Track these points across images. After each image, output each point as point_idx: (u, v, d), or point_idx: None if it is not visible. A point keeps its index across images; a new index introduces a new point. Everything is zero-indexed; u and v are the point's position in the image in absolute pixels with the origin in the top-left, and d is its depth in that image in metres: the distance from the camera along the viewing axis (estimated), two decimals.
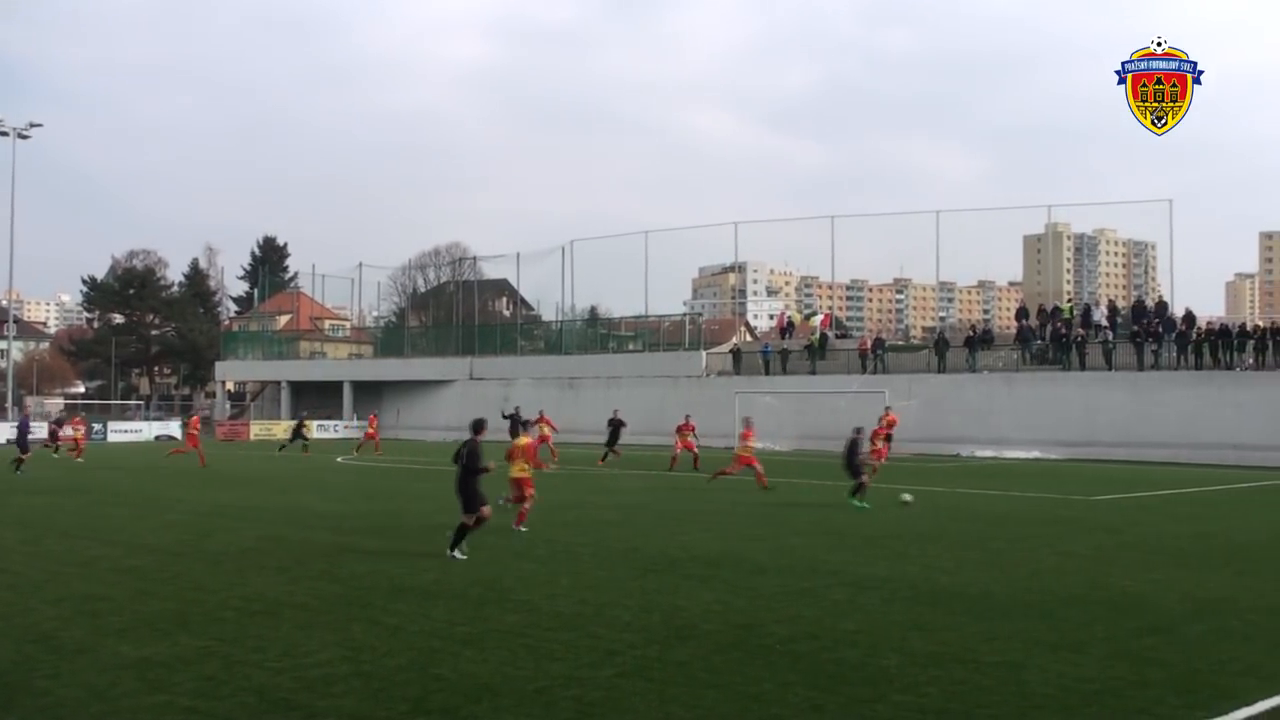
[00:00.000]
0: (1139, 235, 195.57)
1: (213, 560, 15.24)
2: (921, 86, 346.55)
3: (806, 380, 53.97)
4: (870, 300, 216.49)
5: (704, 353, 61.27)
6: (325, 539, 17.71)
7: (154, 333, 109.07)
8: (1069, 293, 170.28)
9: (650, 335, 67.38)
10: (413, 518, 21.01)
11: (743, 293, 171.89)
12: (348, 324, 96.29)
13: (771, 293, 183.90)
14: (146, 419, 76.67)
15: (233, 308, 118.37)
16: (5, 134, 66.48)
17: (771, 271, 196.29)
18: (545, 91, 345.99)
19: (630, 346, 69.62)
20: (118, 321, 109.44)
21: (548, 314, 77.00)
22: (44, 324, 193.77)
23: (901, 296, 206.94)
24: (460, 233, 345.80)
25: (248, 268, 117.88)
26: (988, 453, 46.10)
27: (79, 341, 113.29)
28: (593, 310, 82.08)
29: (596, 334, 72.48)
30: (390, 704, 7.97)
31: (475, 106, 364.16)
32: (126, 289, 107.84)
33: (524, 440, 20.24)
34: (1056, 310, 52.34)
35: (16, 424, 40.83)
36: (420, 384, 70.88)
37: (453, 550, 15.15)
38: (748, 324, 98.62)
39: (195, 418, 45.56)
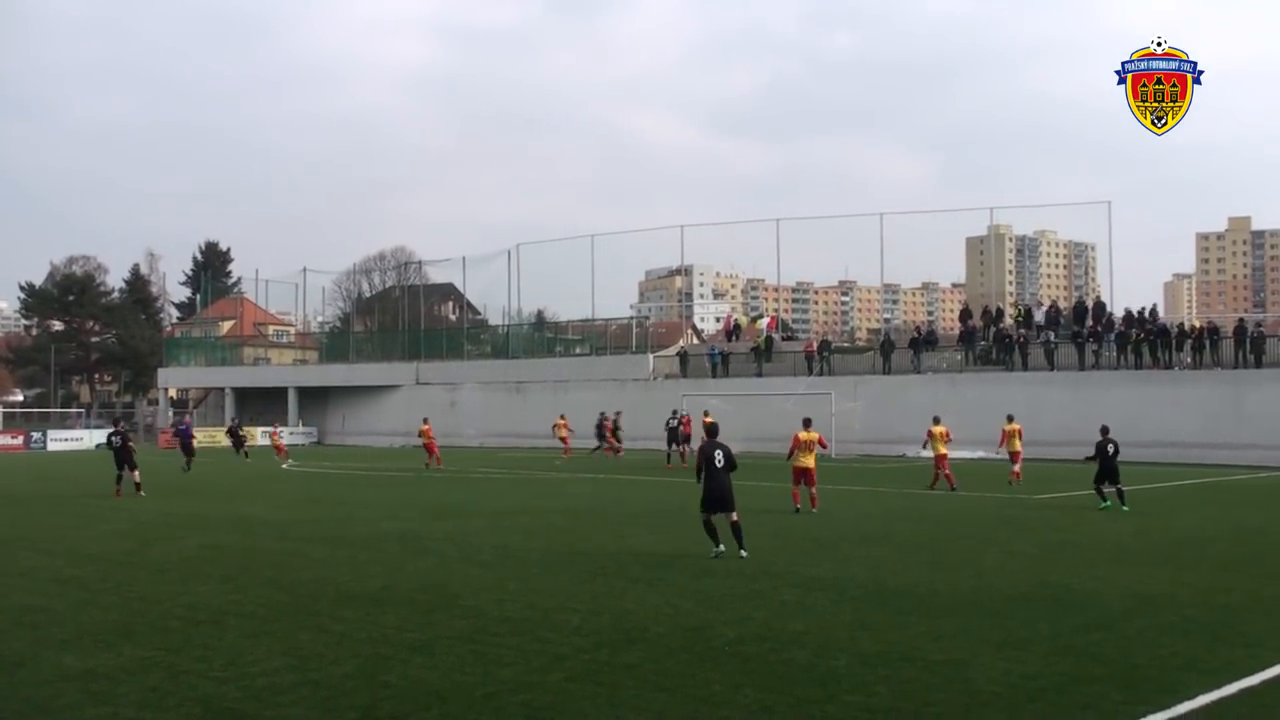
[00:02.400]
0: (1079, 237, 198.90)
1: (156, 569, 15.06)
2: (865, 89, 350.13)
3: (753, 382, 54.18)
4: (816, 302, 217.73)
5: (651, 356, 61.36)
6: (271, 546, 17.56)
7: (94, 339, 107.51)
8: (1011, 293, 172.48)
9: (597, 339, 67.39)
10: (360, 524, 20.87)
11: (689, 296, 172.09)
12: (292, 329, 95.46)
13: (718, 295, 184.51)
14: (87, 427, 75.63)
15: (175, 314, 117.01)
16: None
17: (718, 274, 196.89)
18: (489, 94, 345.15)
19: (577, 350, 69.60)
20: (57, 329, 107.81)
21: (494, 318, 76.76)
22: None
23: (847, 298, 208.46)
24: (405, 237, 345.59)
25: (190, 273, 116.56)
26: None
27: (17, 349, 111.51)
28: (539, 314, 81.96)
29: (543, 338, 72.42)
30: (338, 712, 7.92)
31: (419, 109, 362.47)
32: (66, 295, 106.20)
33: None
34: (1001, 313, 52.89)
35: None
36: (366, 389, 70.47)
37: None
38: (694, 327, 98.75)
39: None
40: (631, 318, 75.46)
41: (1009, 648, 9.94)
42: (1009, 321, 52.93)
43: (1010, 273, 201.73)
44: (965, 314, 55.29)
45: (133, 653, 9.85)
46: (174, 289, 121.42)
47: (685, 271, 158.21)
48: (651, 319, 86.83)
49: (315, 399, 72.51)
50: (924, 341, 52.95)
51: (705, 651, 9.83)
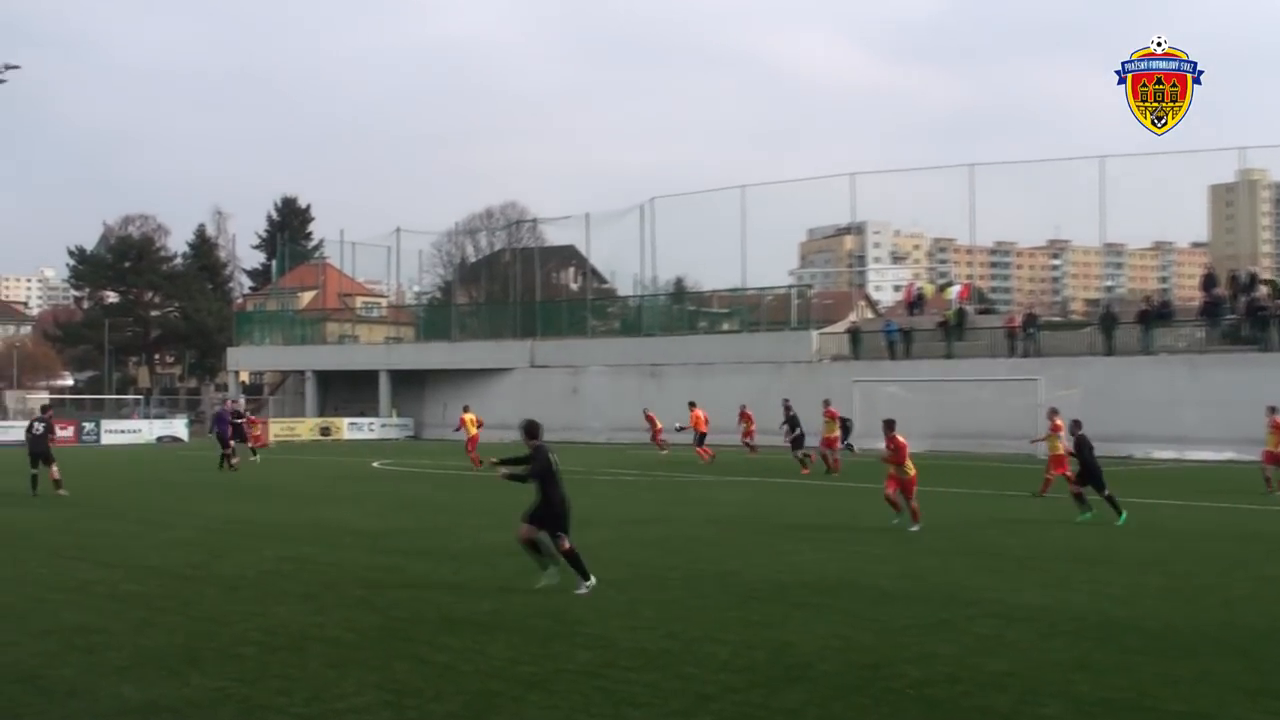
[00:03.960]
0: None
1: (228, 586, 15.47)
2: (1078, 1, 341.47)
3: (941, 365, 53.56)
4: (1019, 267, 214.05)
5: (814, 333, 61.02)
6: (360, 560, 17.91)
7: (154, 314, 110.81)
8: (1269, 254, 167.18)
9: (749, 312, 67.18)
10: (464, 535, 21.16)
11: (861, 259, 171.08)
12: (384, 301, 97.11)
13: (897, 259, 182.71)
14: (146, 417, 77.82)
15: (246, 283, 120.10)
16: None
17: (897, 233, 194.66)
18: (614, 17, 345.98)
19: (724, 326, 69.45)
20: (111, 301, 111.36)
21: (624, 287, 76.94)
22: (24, 304, 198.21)
23: (1058, 262, 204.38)
24: (517, 190, 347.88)
25: (264, 235, 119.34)
26: (1168, 454, 45.46)
27: (66, 325, 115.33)
28: (678, 282, 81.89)
29: (683, 311, 72.31)
30: None
31: (531, 38, 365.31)
32: (121, 262, 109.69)
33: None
34: (1254, 279, 51.39)
35: None
36: (471, 373, 70.97)
37: None
38: (868, 297, 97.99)
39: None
40: (791, 286, 74.93)
41: (1266, 696, 9.68)
42: (1264, 290, 51.32)
43: (1266, 229, 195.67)
44: (1209, 280, 53.84)
45: (200, 682, 10.14)
46: (245, 254, 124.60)
47: (857, 230, 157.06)
48: (815, 288, 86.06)
49: (411, 384, 73.55)
50: (1156, 315, 51.72)
51: (883, 694, 9.76)
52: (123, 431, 67.22)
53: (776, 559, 17.91)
